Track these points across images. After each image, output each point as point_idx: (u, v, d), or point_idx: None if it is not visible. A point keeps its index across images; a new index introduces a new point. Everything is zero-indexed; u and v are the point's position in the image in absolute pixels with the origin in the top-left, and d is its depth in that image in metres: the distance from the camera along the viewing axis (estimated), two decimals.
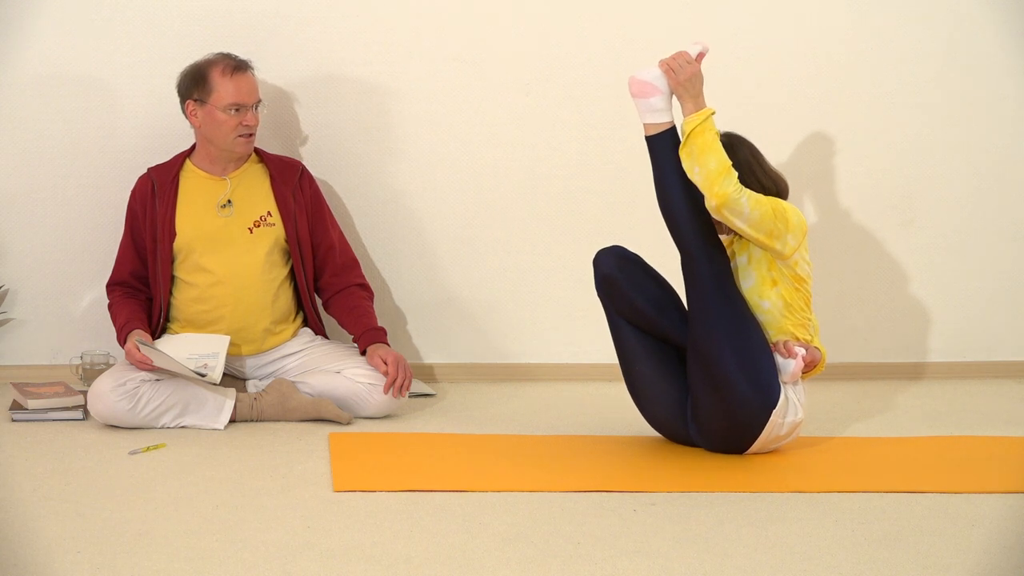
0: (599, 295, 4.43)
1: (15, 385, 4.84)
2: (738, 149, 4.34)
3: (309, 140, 5.25)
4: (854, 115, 5.43)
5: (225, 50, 4.90)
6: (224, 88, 4.75)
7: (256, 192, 4.89)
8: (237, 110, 4.76)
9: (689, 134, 4.25)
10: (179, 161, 4.90)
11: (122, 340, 4.73)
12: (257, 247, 4.82)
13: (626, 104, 4.62)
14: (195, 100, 4.79)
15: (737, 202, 4.20)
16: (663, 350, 4.40)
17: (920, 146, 5.47)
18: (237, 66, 4.77)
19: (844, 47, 5.39)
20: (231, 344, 4.76)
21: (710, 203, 4.21)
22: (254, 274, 4.80)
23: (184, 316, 4.84)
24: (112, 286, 4.90)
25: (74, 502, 3.84)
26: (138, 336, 4.65)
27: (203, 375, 4.56)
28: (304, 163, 5.04)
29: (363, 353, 4.83)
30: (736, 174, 4.22)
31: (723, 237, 4.39)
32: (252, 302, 4.80)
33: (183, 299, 4.82)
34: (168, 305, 4.84)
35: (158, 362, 4.58)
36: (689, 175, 4.25)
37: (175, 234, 4.81)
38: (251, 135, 4.80)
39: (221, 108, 4.76)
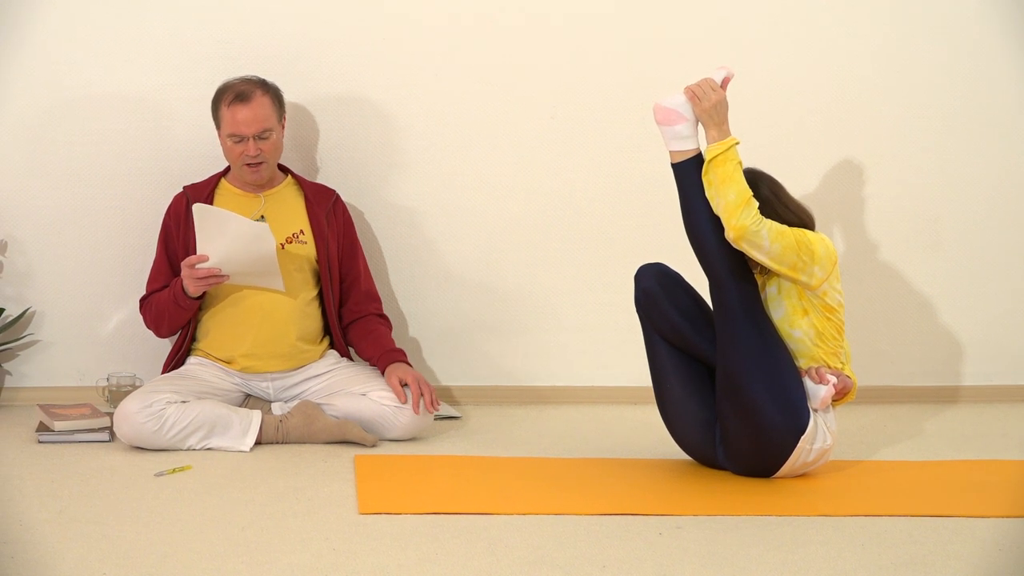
0: (637, 310, 4.42)
1: (42, 407, 4.85)
2: (758, 186, 4.31)
3: (333, 161, 5.26)
4: (880, 139, 5.42)
5: (251, 72, 4.93)
6: (225, 118, 4.80)
7: (290, 210, 4.91)
8: (238, 140, 4.79)
9: (710, 163, 4.23)
10: (214, 180, 4.94)
11: (179, 289, 4.72)
12: (287, 263, 4.83)
13: (652, 127, 4.61)
14: (216, 125, 4.83)
15: (756, 235, 4.18)
16: (696, 370, 4.39)
17: (946, 169, 5.45)
18: (238, 96, 4.79)
19: (870, 72, 5.39)
20: (257, 358, 4.80)
21: (728, 235, 4.20)
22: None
23: (212, 329, 4.85)
24: (144, 299, 4.92)
25: (100, 524, 3.85)
26: (195, 206, 4.64)
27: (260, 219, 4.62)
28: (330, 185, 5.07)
29: (383, 373, 4.83)
30: (756, 205, 4.20)
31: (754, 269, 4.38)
32: (279, 317, 4.81)
33: (212, 313, 4.83)
34: (196, 320, 4.86)
35: (213, 229, 4.58)
36: (711, 204, 4.24)
37: None
38: (257, 164, 4.82)
39: (225, 136, 4.80)
